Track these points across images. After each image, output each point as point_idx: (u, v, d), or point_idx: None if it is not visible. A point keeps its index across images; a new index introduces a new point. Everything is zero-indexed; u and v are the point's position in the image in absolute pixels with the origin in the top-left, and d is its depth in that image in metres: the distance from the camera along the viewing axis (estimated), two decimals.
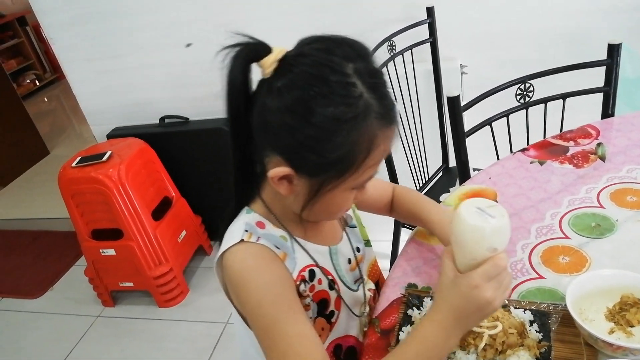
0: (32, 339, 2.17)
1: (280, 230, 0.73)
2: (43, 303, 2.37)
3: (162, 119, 2.22)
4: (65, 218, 2.18)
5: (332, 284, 0.77)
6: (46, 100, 5.57)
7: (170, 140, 2.20)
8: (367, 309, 0.85)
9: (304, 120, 0.59)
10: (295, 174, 0.63)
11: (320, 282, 0.75)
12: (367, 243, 0.91)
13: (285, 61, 0.61)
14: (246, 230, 0.70)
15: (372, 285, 0.89)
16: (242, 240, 0.68)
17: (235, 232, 0.71)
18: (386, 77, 0.64)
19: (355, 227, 0.88)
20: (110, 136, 2.28)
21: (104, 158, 1.98)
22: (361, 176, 0.64)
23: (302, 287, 0.71)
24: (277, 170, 0.63)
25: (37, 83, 5.62)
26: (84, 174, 1.95)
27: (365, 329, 0.84)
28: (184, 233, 2.21)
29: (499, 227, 0.56)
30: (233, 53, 0.61)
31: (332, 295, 0.77)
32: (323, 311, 0.76)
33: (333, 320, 0.78)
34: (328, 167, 0.61)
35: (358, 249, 0.86)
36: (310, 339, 0.64)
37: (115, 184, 1.92)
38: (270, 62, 0.61)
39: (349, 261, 0.83)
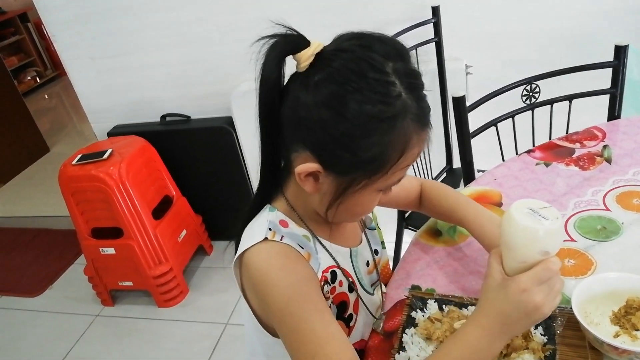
0: (31, 337, 2.16)
1: (303, 230, 0.71)
2: (42, 302, 2.36)
3: (163, 117, 2.21)
4: (65, 216, 2.18)
5: (351, 286, 0.76)
6: (47, 97, 5.56)
7: (171, 138, 2.20)
8: (383, 312, 0.84)
9: (339, 115, 0.57)
10: (324, 171, 0.62)
11: (340, 284, 0.74)
12: (382, 244, 0.90)
13: (323, 55, 0.60)
14: (270, 229, 0.68)
15: (383, 287, 0.88)
16: (265, 239, 0.67)
17: (257, 230, 0.68)
18: (424, 79, 0.62)
19: (375, 229, 0.86)
20: (111, 134, 2.27)
21: (105, 156, 1.98)
22: (390, 178, 0.63)
23: (325, 288, 0.70)
24: (306, 166, 0.62)
25: (38, 80, 5.62)
26: (85, 171, 1.94)
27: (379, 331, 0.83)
28: (184, 232, 2.20)
29: (553, 230, 0.54)
30: (270, 44, 0.60)
31: (352, 297, 0.76)
32: (342, 314, 0.75)
33: (352, 324, 0.76)
34: (359, 166, 0.60)
35: (376, 252, 0.85)
36: (339, 340, 0.62)
37: (115, 182, 1.91)
38: (307, 56, 0.59)
39: (367, 264, 0.82)
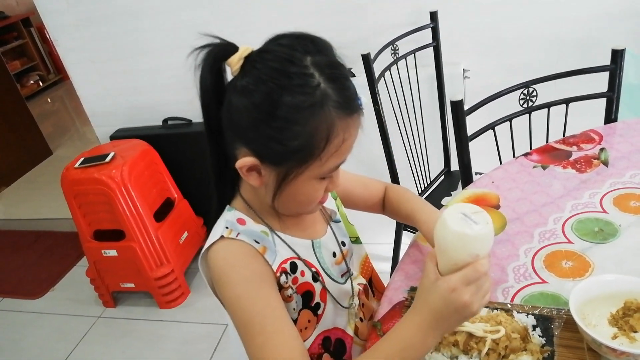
0: (33, 339, 2.17)
1: (261, 226, 0.75)
2: (44, 303, 2.37)
3: (165, 120, 2.22)
4: (68, 218, 2.19)
5: (316, 276, 0.78)
6: (49, 101, 5.58)
7: (173, 142, 2.20)
8: (356, 301, 0.86)
9: (266, 111, 0.61)
10: (261, 163, 0.66)
11: (303, 274, 0.76)
12: (357, 240, 0.92)
13: (251, 58, 0.64)
14: (226, 227, 0.73)
15: (362, 280, 0.89)
16: (222, 237, 0.71)
17: (217, 229, 0.74)
18: (347, 71, 0.66)
19: (340, 221, 0.89)
20: (113, 137, 2.29)
21: (107, 159, 1.99)
22: (325, 165, 0.66)
23: (282, 278, 0.72)
24: (244, 160, 0.66)
25: (41, 84, 5.64)
26: (87, 174, 1.95)
27: (355, 320, 0.85)
28: (185, 234, 2.21)
29: (482, 235, 0.57)
30: (203, 53, 0.64)
31: (317, 287, 0.78)
32: (308, 303, 0.77)
33: (319, 312, 0.79)
34: (290, 156, 0.64)
35: (344, 244, 0.87)
36: (288, 334, 0.66)
37: (117, 185, 1.92)
38: (236, 60, 0.64)
39: (334, 254, 0.84)
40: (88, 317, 2.21)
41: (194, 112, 2.20)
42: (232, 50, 0.64)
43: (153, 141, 2.18)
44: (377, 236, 2.01)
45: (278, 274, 0.72)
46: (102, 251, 2.06)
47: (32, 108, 3.98)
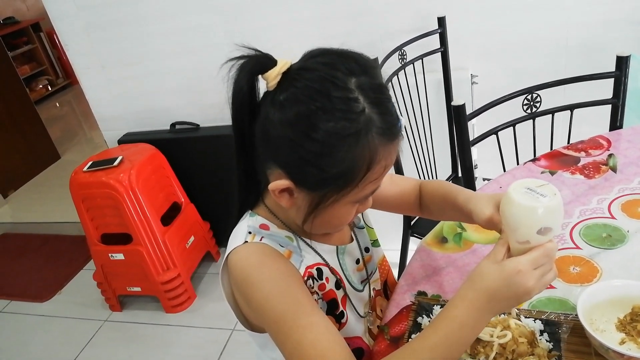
0: (39, 342, 2.18)
1: (285, 232, 0.73)
2: (51, 307, 2.38)
3: (172, 125, 2.24)
4: (74, 222, 2.20)
5: (339, 284, 0.77)
6: (58, 105, 5.63)
7: (181, 146, 2.22)
8: (370, 309, 0.85)
9: (305, 134, 0.59)
10: (296, 187, 0.63)
11: (328, 280, 0.75)
12: (375, 243, 0.91)
13: (289, 74, 0.61)
14: (249, 232, 0.71)
15: (377, 286, 0.89)
16: (245, 242, 0.69)
17: (238, 234, 0.72)
18: (390, 92, 0.64)
19: (363, 228, 0.88)
20: (121, 141, 2.30)
21: (115, 163, 2.00)
22: (362, 191, 0.64)
23: (309, 282, 0.71)
24: (278, 183, 0.63)
25: (49, 88, 5.69)
26: (95, 178, 1.97)
27: (369, 327, 0.84)
28: (192, 239, 2.22)
29: (551, 206, 0.55)
30: (239, 65, 0.62)
31: (339, 294, 0.77)
32: (333, 311, 0.76)
33: (343, 321, 0.78)
34: (329, 182, 0.61)
35: (367, 249, 0.86)
36: (323, 326, 0.63)
37: (125, 188, 1.94)
38: (274, 75, 0.61)
39: (357, 261, 0.83)
40: (94, 320, 2.22)
41: (201, 117, 2.21)
42: (270, 64, 0.61)
43: (161, 145, 2.19)
44: (383, 242, 2.01)
45: (305, 278, 0.70)
46: (109, 255, 2.07)
47: (41, 112, 4.01)
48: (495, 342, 0.69)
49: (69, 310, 2.33)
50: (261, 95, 0.65)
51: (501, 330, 0.71)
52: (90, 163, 2.04)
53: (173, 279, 2.07)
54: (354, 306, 0.80)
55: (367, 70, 0.61)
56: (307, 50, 0.64)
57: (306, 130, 0.58)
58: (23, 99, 3.82)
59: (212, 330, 2.02)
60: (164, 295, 2.10)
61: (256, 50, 0.63)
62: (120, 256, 2.06)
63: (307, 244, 0.74)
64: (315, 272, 0.73)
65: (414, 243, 1.73)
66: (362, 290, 0.83)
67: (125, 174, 1.96)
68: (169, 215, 2.14)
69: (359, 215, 0.88)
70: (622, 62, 1.21)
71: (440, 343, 0.58)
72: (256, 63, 0.62)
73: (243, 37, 1.98)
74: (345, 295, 0.78)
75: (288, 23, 1.89)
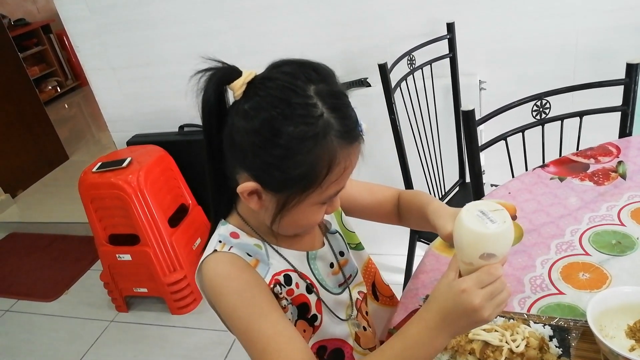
0: (46, 341, 2.19)
1: (254, 239, 0.75)
2: (58, 306, 2.40)
3: (181, 127, 2.26)
4: (82, 223, 2.22)
5: (310, 288, 0.78)
6: (66, 106, 5.68)
7: (189, 148, 2.23)
8: (355, 312, 0.85)
9: (268, 140, 0.62)
10: (263, 189, 0.67)
11: (297, 286, 0.77)
12: (358, 246, 0.92)
13: (254, 84, 0.64)
14: (220, 241, 0.73)
15: (363, 289, 0.89)
16: (215, 251, 0.72)
17: (211, 244, 0.75)
18: (348, 99, 0.67)
19: (336, 232, 0.88)
20: (130, 143, 2.32)
21: (124, 164, 2.02)
22: (325, 192, 0.66)
23: (277, 289, 0.73)
24: (246, 185, 0.66)
25: (59, 90, 5.74)
26: (104, 179, 1.98)
27: (357, 330, 0.85)
28: (199, 241, 2.23)
29: (497, 234, 0.55)
30: (207, 76, 0.66)
31: (312, 298, 0.78)
32: (305, 315, 0.78)
33: (316, 323, 0.79)
34: (292, 183, 0.64)
35: (342, 254, 0.87)
36: (288, 335, 0.66)
37: (134, 190, 1.95)
38: (239, 85, 0.64)
39: (332, 265, 0.84)
40: (101, 321, 2.23)
41: None
42: (236, 74, 0.65)
43: (169, 147, 2.21)
44: (390, 248, 2.01)
45: (271, 286, 0.72)
46: (117, 255, 2.08)
47: (50, 113, 4.04)
48: (504, 347, 0.69)
49: (76, 310, 2.34)
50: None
51: (511, 335, 0.71)
52: (99, 164, 2.06)
53: (179, 280, 2.08)
54: (330, 309, 0.81)
55: (326, 78, 0.65)
56: (272, 62, 0.68)
57: (269, 135, 0.62)
58: (33, 99, 3.86)
59: (217, 332, 2.02)
60: (170, 296, 2.11)
61: (222, 62, 0.67)
62: (127, 257, 2.07)
63: (276, 250, 0.76)
64: (282, 279, 0.74)
65: (420, 248, 1.73)
66: (339, 294, 0.84)
67: (133, 175, 1.97)
68: (177, 217, 2.15)
69: (332, 220, 0.89)
70: (632, 70, 1.21)
71: (395, 358, 0.61)
72: (223, 74, 0.66)
73: (252, 41, 1.99)
74: (319, 299, 0.79)
75: (298, 28, 1.90)
